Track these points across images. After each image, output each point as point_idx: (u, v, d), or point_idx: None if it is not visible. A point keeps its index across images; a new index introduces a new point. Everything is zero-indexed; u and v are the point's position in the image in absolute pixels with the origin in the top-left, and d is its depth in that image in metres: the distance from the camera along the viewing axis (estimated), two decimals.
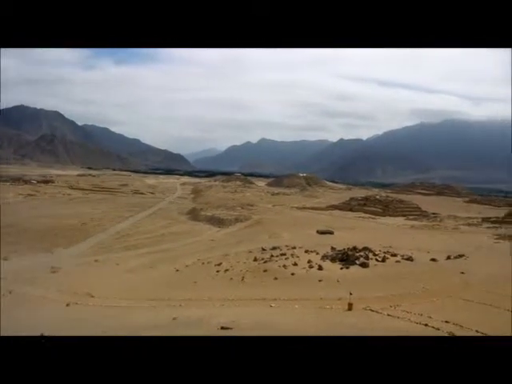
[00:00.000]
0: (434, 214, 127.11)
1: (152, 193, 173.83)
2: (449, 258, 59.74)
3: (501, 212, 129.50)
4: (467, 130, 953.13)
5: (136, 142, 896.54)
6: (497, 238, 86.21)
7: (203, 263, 56.42)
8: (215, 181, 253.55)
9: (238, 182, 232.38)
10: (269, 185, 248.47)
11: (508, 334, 28.10)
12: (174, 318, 27.56)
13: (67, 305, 37.70)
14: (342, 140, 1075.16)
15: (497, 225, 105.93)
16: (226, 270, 50.56)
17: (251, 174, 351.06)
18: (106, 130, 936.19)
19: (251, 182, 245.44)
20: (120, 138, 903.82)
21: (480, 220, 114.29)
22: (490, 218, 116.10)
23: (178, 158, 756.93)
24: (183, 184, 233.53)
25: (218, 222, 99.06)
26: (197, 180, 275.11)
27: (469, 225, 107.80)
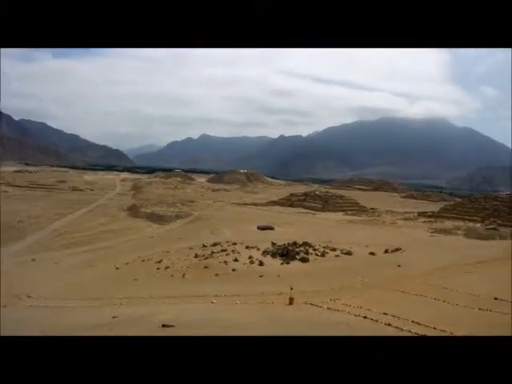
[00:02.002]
0: (372, 209, 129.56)
1: (91, 189, 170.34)
2: (386, 251, 61.19)
3: (436, 207, 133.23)
4: (404, 127, 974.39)
5: (75, 138, 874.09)
6: (432, 232, 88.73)
7: (143, 260, 55.90)
8: (155, 177, 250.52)
9: (179, 178, 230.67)
10: (209, 181, 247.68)
11: (442, 323, 29.11)
12: (114, 317, 27.21)
13: (4, 306, 36.69)
14: (282, 136, 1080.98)
15: (432, 219, 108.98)
16: (167, 267, 50.25)
17: (192, 170, 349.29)
18: (43, 125, 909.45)
19: (192, 178, 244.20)
20: (58, 134, 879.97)
21: (416, 214, 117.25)
22: (426, 212, 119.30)
23: (118, 153, 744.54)
24: (123, 180, 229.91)
25: (159, 219, 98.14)
26: (137, 176, 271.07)
27: (405, 219, 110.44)
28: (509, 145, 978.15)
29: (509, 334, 27.41)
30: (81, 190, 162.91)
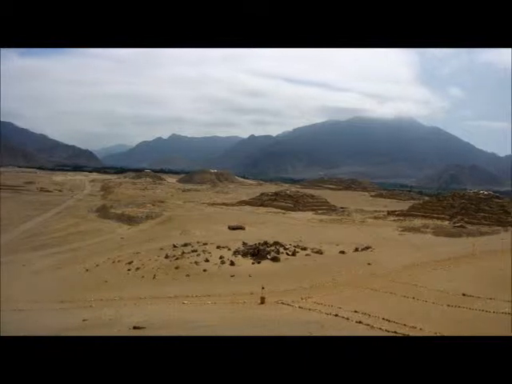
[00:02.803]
0: (342, 208, 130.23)
1: (60, 190, 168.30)
2: (356, 250, 61.78)
3: (405, 205, 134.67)
4: (373, 127, 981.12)
5: (42, 138, 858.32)
6: (401, 231, 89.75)
7: (114, 262, 55.43)
8: (125, 177, 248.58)
9: (149, 179, 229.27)
10: (180, 181, 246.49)
11: (412, 320, 29.50)
12: (85, 320, 26.94)
13: None
14: (252, 136, 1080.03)
15: (401, 217, 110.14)
16: (138, 268, 49.96)
17: (162, 171, 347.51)
18: (9, 125, 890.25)
19: (162, 179, 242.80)
20: (25, 133, 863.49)
21: (386, 213, 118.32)
22: (395, 211, 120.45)
23: (87, 154, 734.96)
24: (92, 181, 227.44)
25: (129, 220, 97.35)
26: (106, 177, 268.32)
27: (375, 218, 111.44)
28: (475, 144, 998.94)
29: (475, 329, 27.93)
30: (49, 191, 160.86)
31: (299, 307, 34.17)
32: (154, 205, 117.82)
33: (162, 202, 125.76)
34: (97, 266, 54.31)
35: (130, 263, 52.77)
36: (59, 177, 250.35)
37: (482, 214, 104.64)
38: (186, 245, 61.01)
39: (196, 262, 50.57)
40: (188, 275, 46.55)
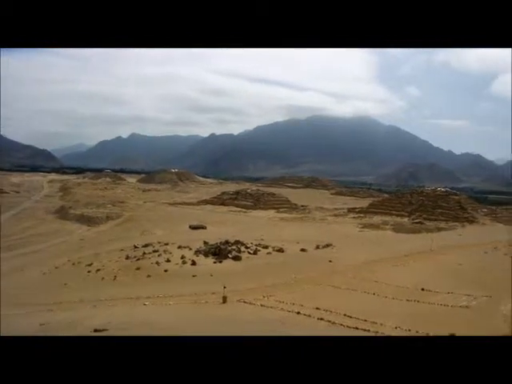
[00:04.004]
0: (302, 206, 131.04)
1: (17, 191, 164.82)
2: (317, 247, 62.38)
3: (365, 203, 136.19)
4: (333, 125, 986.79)
5: None
6: (361, 228, 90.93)
7: (73, 264, 54.69)
8: (84, 178, 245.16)
9: (108, 179, 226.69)
10: (140, 181, 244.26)
11: (372, 315, 29.93)
12: (42, 324, 26.40)
13: None
14: (213, 135, 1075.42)
15: (361, 215, 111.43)
16: (98, 270, 49.42)
17: (122, 170, 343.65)
18: None
19: (122, 179, 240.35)
20: None
21: (346, 211, 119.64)
22: (355, 208, 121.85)
23: (45, 154, 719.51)
24: (50, 181, 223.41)
25: (88, 221, 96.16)
26: (65, 177, 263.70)
27: (335, 216, 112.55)
28: (432, 142, 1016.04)
29: (434, 323, 28.48)
30: (6, 193, 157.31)
31: (261, 305, 34.31)
32: (114, 205, 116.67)
33: (122, 202, 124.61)
34: (56, 268, 53.49)
35: (90, 265, 52.15)
36: (16, 178, 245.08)
37: (440, 211, 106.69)
38: (146, 245, 60.62)
39: (157, 263, 50.32)
40: (149, 276, 46.27)
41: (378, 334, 25.73)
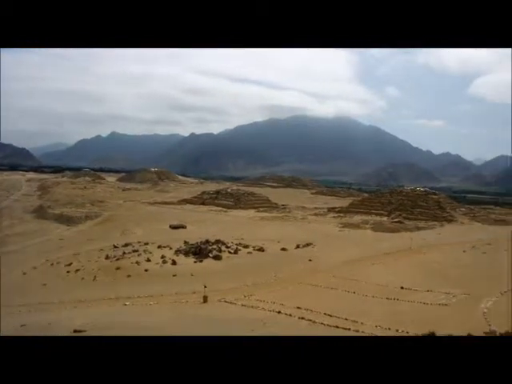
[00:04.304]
0: (283, 205, 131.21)
1: None
2: (298, 246, 62.54)
3: (345, 202, 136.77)
4: (314, 125, 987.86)
5: None
6: (342, 227, 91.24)
7: (52, 264, 54.26)
8: (63, 177, 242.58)
9: (88, 178, 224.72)
10: (120, 180, 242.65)
11: (353, 314, 30.10)
12: (23, 325, 26.17)
13: None
14: (193, 134, 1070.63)
15: (341, 214, 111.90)
16: (77, 270, 49.08)
17: (102, 170, 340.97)
18: None
19: (102, 178, 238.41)
20: None
21: (326, 210, 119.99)
22: (335, 208, 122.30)
23: (24, 152, 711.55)
24: (29, 180, 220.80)
25: (67, 220, 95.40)
26: (44, 176, 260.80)
27: (316, 215, 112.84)
28: (412, 142, 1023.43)
29: (414, 321, 28.72)
30: None
31: (242, 305, 34.36)
32: (93, 204, 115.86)
33: (102, 201, 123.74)
34: (35, 268, 53.05)
35: (69, 265, 51.78)
36: None
37: (419, 210, 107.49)
38: (126, 245, 60.38)
39: (137, 262, 50.12)
40: (129, 276, 46.07)
41: (359, 333, 25.89)
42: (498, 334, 23.33)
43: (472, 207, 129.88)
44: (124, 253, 54.92)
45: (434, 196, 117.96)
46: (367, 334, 24.83)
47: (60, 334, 21.82)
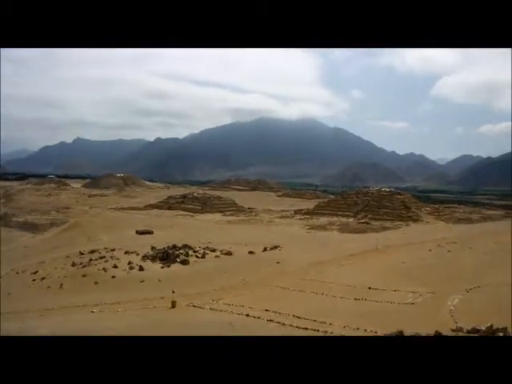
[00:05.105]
0: (249, 208, 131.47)
1: None
2: (265, 249, 62.70)
3: (311, 204, 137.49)
4: (279, 128, 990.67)
5: None
6: (308, 229, 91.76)
7: (17, 273, 53.47)
8: (27, 184, 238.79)
9: (53, 185, 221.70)
10: (85, 186, 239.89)
11: (321, 315, 30.31)
12: None
13: None
14: (159, 139, 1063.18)
15: (308, 216, 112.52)
16: (43, 278, 48.47)
17: (66, 176, 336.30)
18: None
19: (66, 184, 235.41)
20: None
21: (292, 212, 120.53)
22: (302, 210, 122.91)
23: None
24: None
25: (32, 228, 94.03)
26: (7, 183, 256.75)
27: (282, 217, 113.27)
28: (376, 143, 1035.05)
29: (382, 320, 29.08)
30: None
31: (210, 309, 34.39)
32: (58, 211, 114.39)
33: (67, 208, 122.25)
34: None
35: (35, 273, 51.11)
36: None
37: (385, 210, 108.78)
38: (93, 251, 59.81)
39: (104, 269, 49.72)
40: (96, 283, 45.68)
41: (327, 334, 26.11)
42: (464, 330, 23.78)
43: (437, 206, 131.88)
44: (90, 259, 54.41)
45: (399, 196, 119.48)
46: (336, 335, 25.03)
47: None
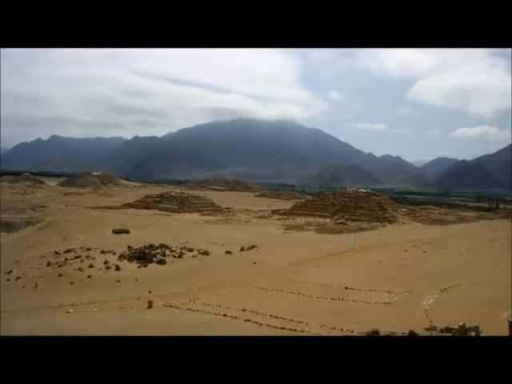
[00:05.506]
0: (227, 208, 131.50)
1: None
2: (242, 249, 62.73)
3: (288, 204, 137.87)
4: (257, 128, 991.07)
5: None
6: (286, 229, 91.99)
7: None
8: (2, 181, 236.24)
9: (28, 183, 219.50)
10: (61, 184, 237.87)
11: (298, 315, 30.42)
12: None
13: None
14: (136, 137, 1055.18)
15: (285, 216, 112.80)
16: (18, 278, 47.89)
17: (42, 174, 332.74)
18: None
19: (42, 182, 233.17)
20: None
21: (270, 213, 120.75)
22: (279, 210, 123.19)
23: None
24: None
25: (7, 226, 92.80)
26: None
27: (260, 217, 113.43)
28: (353, 144, 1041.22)
29: (358, 319, 29.28)
30: None
31: (187, 309, 34.31)
32: (34, 210, 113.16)
33: (43, 206, 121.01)
34: None
35: (9, 273, 50.41)
36: None
37: (362, 211, 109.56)
38: (68, 251, 59.22)
39: (80, 269, 49.28)
40: (72, 282, 45.26)
41: (304, 334, 26.19)
42: (438, 329, 24.14)
43: (413, 207, 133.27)
44: (66, 259, 53.88)
45: (375, 197, 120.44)
46: (315, 335, 25.11)
47: None
